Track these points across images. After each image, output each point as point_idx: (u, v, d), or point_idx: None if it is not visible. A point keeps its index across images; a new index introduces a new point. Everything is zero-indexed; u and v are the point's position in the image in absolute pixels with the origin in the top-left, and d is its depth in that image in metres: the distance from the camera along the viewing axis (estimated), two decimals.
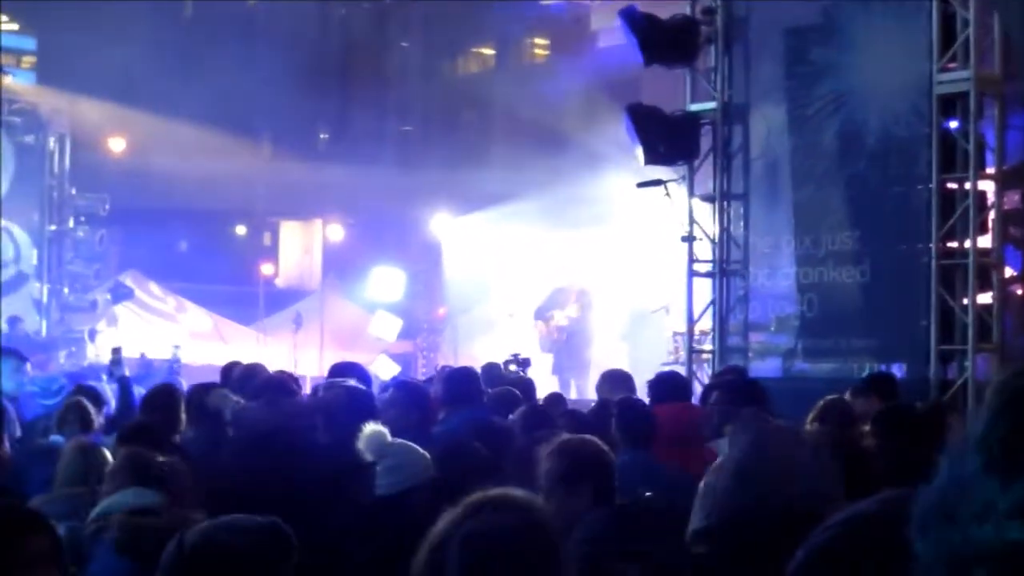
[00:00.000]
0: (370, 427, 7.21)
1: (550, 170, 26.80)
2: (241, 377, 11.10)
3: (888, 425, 7.55)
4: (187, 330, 31.15)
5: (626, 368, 15.81)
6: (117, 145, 34.89)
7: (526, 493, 3.65)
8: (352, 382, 9.45)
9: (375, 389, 11.02)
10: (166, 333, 29.71)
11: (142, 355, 24.91)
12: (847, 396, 9.98)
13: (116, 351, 13.77)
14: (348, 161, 35.90)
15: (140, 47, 33.42)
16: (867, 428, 7.79)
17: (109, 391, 12.31)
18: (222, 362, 13.87)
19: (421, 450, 7.33)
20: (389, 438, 7.20)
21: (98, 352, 25.38)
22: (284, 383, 9.19)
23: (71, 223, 27.00)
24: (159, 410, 9.59)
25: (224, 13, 38.31)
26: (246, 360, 12.98)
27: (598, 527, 5.78)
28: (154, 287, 32.35)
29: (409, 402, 9.52)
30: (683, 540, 6.79)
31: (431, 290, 32.35)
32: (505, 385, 12.33)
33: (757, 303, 16.49)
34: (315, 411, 8.79)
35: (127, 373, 13.35)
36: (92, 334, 26.49)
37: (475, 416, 9.60)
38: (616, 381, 11.42)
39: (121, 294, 29.08)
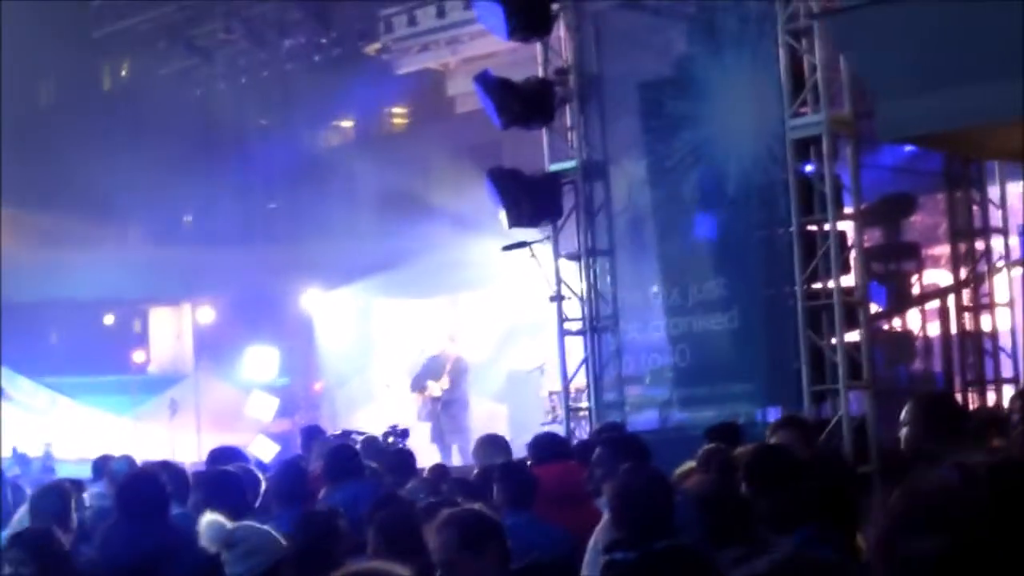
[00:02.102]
0: (207, 517, 7.06)
1: (419, 238, 26.78)
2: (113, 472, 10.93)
3: (763, 471, 7.66)
4: (60, 424, 30.67)
5: (506, 430, 15.88)
6: None
7: (392, 564, 3.67)
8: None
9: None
10: (38, 429, 29.23)
11: (14, 450, 24.49)
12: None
13: None
14: (214, 242, 35.62)
15: None
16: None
17: None
18: (97, 455, 13.67)
19: (266, 528, 7.24)
20: (229, 524, 7.05)
21: None
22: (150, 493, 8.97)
23: None
24: (50, 516, 9.24)
25: (81, 99, 37.96)
26: (119, 451, 12.81)
27: None
28: (24, 382, 31.83)
29: (287, 484, 9.54)
30: None
31: (306, 366, 32.16)
32: (385, 457, 12.32)
33: (630, 357, 16.51)
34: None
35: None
36: None
37: (363, 490, 9.58)
38: (492, 446, 11.46)
39: None
